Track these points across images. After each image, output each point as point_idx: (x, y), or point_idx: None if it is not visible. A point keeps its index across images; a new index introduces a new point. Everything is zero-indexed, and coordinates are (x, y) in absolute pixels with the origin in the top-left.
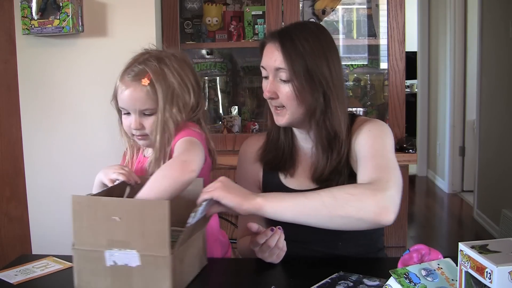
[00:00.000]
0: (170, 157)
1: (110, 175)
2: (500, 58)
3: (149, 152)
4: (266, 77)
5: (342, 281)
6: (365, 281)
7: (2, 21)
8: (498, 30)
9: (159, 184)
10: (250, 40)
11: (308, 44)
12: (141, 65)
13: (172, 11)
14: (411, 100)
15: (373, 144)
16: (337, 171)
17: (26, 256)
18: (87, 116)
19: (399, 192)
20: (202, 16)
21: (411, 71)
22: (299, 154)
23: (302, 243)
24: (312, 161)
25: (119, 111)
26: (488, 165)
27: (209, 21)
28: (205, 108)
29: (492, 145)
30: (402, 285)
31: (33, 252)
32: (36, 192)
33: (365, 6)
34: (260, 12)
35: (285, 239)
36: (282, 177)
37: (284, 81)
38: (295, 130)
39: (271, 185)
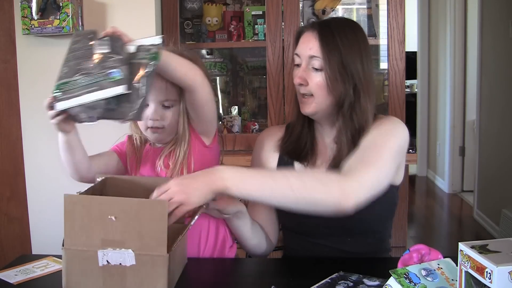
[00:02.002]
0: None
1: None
2: (500, 58)
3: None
4: (298, 65)
5: (342, 281)
6: (365, 281)
7: (2, 21)
8: (498, 30)
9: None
10: (250, 40)
11: (345, 38)
12: None
13: (172, 11)
14: (411, 100)
15: (374, 137)
16: None
17: (26, 256)
18: None
19: (367, 188)
20: (202, 16)
21: (411, 71)
22: (319, 148)
23: (308, 236)
24: (331, 155)
25: None
26: (488, 165)
27: (209, 21)
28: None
29: (492, 145)
30: (402, 285)
31: (33, 252)
32: (36, 192)
33: (365, 6)
34: (260, 12)
35: (289, 230)
36: (298, 168)
37: (316, 69)
38: (317, 124)
39: None
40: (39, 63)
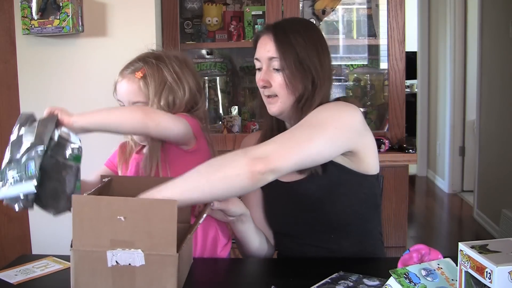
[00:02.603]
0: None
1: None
2: (500, 58)
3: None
4: (259, 69)
5: (342, 281)
6: (365, 281)
7: (2, 21)
8: (498, 30)
9: (114, 115)
10: (250, 40)
11: (299, 35)
12: (140, 61)
13: (172, 11)
14: (411, 100)
15: (308, 117)
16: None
17: (26, 256)
18: None
19: (279, 149)
20: (202, 16)
21: (411, 71)
22: None
23: (294, 237)
24: None
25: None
26: (488, 165)
27: (209, 21)
28: (206, 109)
29: (492, 145)
30: (402, 285)
31: (33, 252)
32: None
33: (365, 6)
34: (260, 12)
35: (277, 234)
36: None
37: (277, 69)
38: (286, 124)
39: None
40: (39, 63)
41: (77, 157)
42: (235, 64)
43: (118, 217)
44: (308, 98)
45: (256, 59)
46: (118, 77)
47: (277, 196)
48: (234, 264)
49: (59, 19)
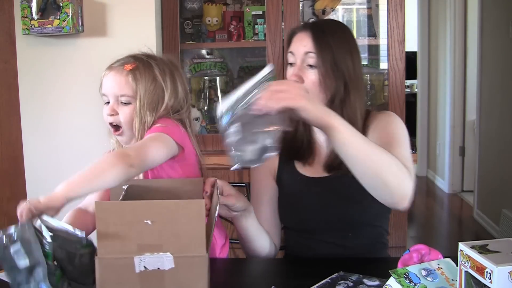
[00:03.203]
0: None
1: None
2: (500, 58)
3: None
4: (292, 64)
5: (342, 281)
6: (365, 281)
7: (2, 21)
8: (498, 30)
9: (87, 172)
10: (250, 40)
11: (336, 37)
12: (131, 57)
13: (172, 11)
14: (411, 100)
15: (388, 131)
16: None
17: None
18: (87, 116)
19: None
20: (202, 16)
21: (411, 71)
22: (315, 145)
23: (308, 234)
24: (327, 152)
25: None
26: (488, 165)
27: (209, 21)
28: (191, 113)
29: (492, 145)
30: (402, 285)
31: None
32: (36, 192)
33: (365, 6)
34: (260, 12)
35: (290, 230)
36: (298, 166)
37: (311, 66)
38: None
39: (286, 173)
40: (39, 63)
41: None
42: (235, 64)
43: (145, 221)
44: (344, 100)
45: (291, 52)
46: (105, 71)
47: (298, 191)
48: (234, 264)
49: (59, 19)
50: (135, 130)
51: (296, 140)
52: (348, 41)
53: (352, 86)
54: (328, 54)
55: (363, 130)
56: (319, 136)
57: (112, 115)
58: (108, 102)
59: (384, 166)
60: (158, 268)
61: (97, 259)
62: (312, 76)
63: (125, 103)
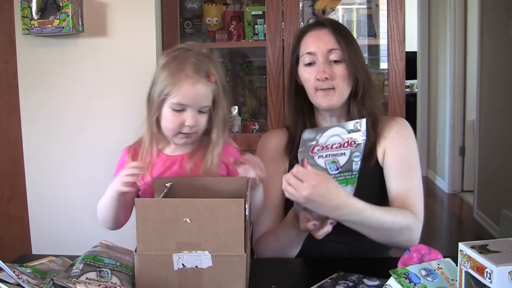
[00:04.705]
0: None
1: (124, 179)
2: (500, 58)
3: (169, 150)
4: (310, 64)
5: (342, 281)
6: (365, 281)
7: (2, 21)
8: (498, 31)
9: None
10: (250, 40)
11: (348, 31)
12: (203, 62)
13: (172, 11)
14: (411, 100)
15: (408, 155)
16: (363, 158)
17: (26, 256)
18: (87, 116)
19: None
20: (202, 16)
21: (411, 71)
22: None
23: None
24: None
25: (155, 107)
26: (488, 165)
27: (209, 21)
28: None
29: (492, 145)
30: (402, 285)
31: (33, 252)
32: (36, 192)
33: (365, 6)
34: (260, 12)
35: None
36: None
37: (336, 61)
38: (320, 122)
39: None
40: (39, 63)
41: None
42: (235, 64)
43: (184, 219)
44: (365, 93)
45: (310, 53)
46: (184, 79)
47: None
48: None
49: (59, 19)
50: (217, 135)
51: None
52: (353, 36)
53: (370, 78)
54: (351, 47)
55: (374, 137)
56: None
57: (194, 125)
58: (181, 110)
59: (394, 232)
60: (196, 266)
61: (136, 255)
62: (340, 71)
63: (203, 112)
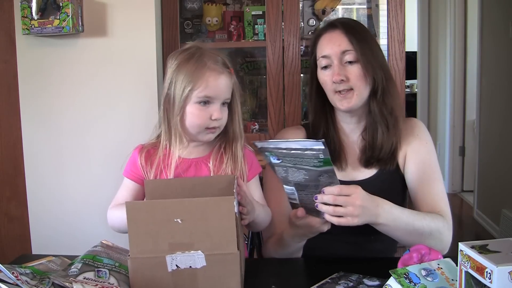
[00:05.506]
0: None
1: None
2: (500, 58)
3: (186, 153)
4: (326, 67)
5: (342, 281)
6: (365, 281)
7: (2, 21)
8: (498, 31)
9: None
10: (250, 40)
11: (362, 29)
12: (219, 55)
13: (172, 11)
14: (411, 100)
15: (430, 161)
16: (385, 160)
17: (26, 256)
18: (87, 116)
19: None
20: (202, 16)
21: (411, 71)
22: (345, 147)
23: (330, 234)
24: (360, 152)
25: (175, 102)
26: (488, 165)
27: (209, 21)
28: None
29: (492, 145)
30: (402, 285)
31: (33, 252)
32: (36, 192)
33: (365, 6)
34: (260, 12)
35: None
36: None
37: (351, 62)
38: (341, 123)
39: None
40: (39, 63)
41: None
42: (235, 64)
43: (175, 219)
44: (385, 91)
45: (324, 56)
46: (208, 71)
47: None
48: None
49: (59, 19)
50: (236, 130)
51: (328, 144)
52: (369, 32)
53: (389, 75)
54: (366, 46)
55: (395, 139)
56: (350, 136)
57: (221, 119)
58: (206, 103)
59: (424, 235)
60: (190, 267)
61: (130, 259)
62: (356, 72)
63: (226, 104)
